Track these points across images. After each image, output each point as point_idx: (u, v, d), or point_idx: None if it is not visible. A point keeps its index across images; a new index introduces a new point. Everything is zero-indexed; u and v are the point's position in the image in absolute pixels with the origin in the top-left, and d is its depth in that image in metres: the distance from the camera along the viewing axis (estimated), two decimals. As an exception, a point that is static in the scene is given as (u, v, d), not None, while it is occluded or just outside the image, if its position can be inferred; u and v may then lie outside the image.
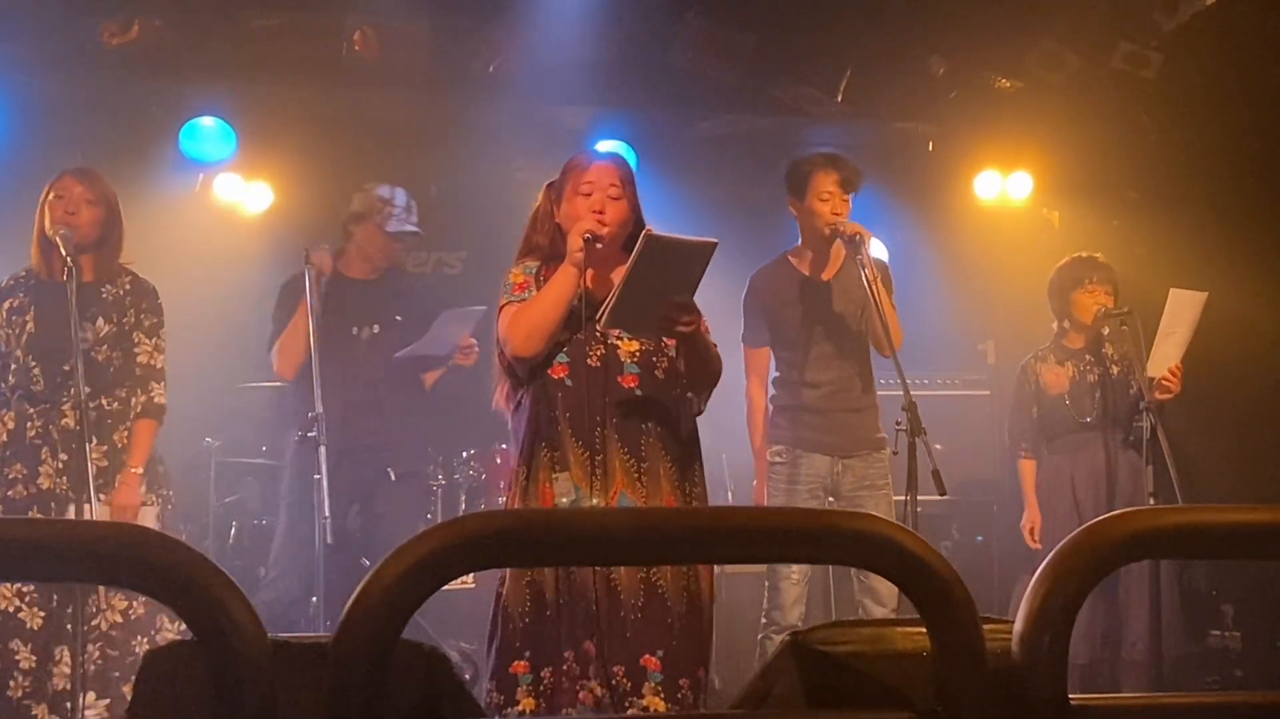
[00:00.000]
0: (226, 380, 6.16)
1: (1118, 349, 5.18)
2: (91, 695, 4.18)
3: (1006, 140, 6.88)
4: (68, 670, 4.11)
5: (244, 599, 1.10)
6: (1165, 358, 4.85)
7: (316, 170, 6.33)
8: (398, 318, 5.17)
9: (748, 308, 4.92)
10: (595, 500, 3.35)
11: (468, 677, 5.22)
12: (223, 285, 6.08)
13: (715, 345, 3.54)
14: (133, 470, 4.36)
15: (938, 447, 4.36)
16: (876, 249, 5.30)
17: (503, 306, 3.49)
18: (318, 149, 6.39)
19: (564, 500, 3.34)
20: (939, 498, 4.21)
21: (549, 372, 3.41)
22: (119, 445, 4.35)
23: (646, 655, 3.29)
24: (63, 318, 4.16)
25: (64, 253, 4.18)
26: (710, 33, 6.04)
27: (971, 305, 7.06)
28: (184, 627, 1.10)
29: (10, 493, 4.23)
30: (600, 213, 3.44)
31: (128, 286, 4.46)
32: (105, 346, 4.35)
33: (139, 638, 4.27)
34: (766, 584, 4.84)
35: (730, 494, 6.17)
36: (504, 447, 6.05)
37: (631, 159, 6.60)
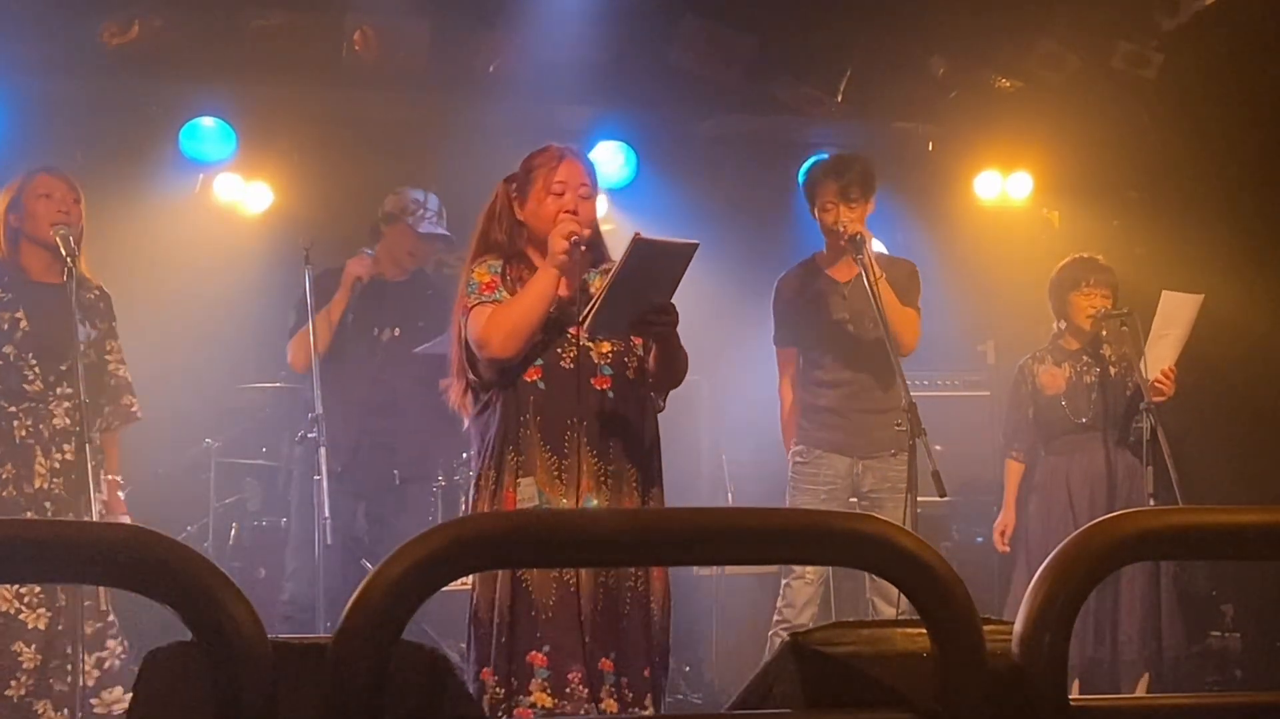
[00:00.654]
0: (226, 381, 6.16)
1: (1116, 350, 5.17)
2: (119, 690, 4.20)
3: (1006, 140, 6.87)
4: (86, 667, 4.12)
5: (244, 599, 1.10)
6: (1159, 360, 4.85)
7: (316, 170, 6.33)
8: (420, 323, 5.12)
9: (775, 309, 4.96)
10: (562, 504, 3.31)
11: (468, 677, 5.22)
12: (223, 285, 6.08)
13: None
14: (115, 478, 4.39)
15: (938, 447, 4.36)
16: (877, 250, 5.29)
17: (472, 307, 3.40)
18: (318, 149, 6.39)
19: (529, 506, 3.31)
20: (939, 499, 4.22)
21: (523, 375, 3.37)
22: (97, 446, 4.30)
23: (604, 658, 3.29)
24: (59, 317, 4.15)
25: (64, 253, 4.17)
26: (710, 33, 6.03)
27: (971, 305, 7.05)
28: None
29: (2, 494, 4.18)
30: (574, 212, 3.40)
31: (98, 292, 4.45)
32: (91, 350, 4.35)
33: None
34: (781, 583, 4.86)
35: (730, 494, 6.16)
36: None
37: (631, 159, 6.64)
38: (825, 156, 4.94)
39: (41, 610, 4.13)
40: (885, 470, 4.78)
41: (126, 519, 4.37)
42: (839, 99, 6.32)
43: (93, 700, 4.16)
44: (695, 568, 5.72)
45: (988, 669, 1.19)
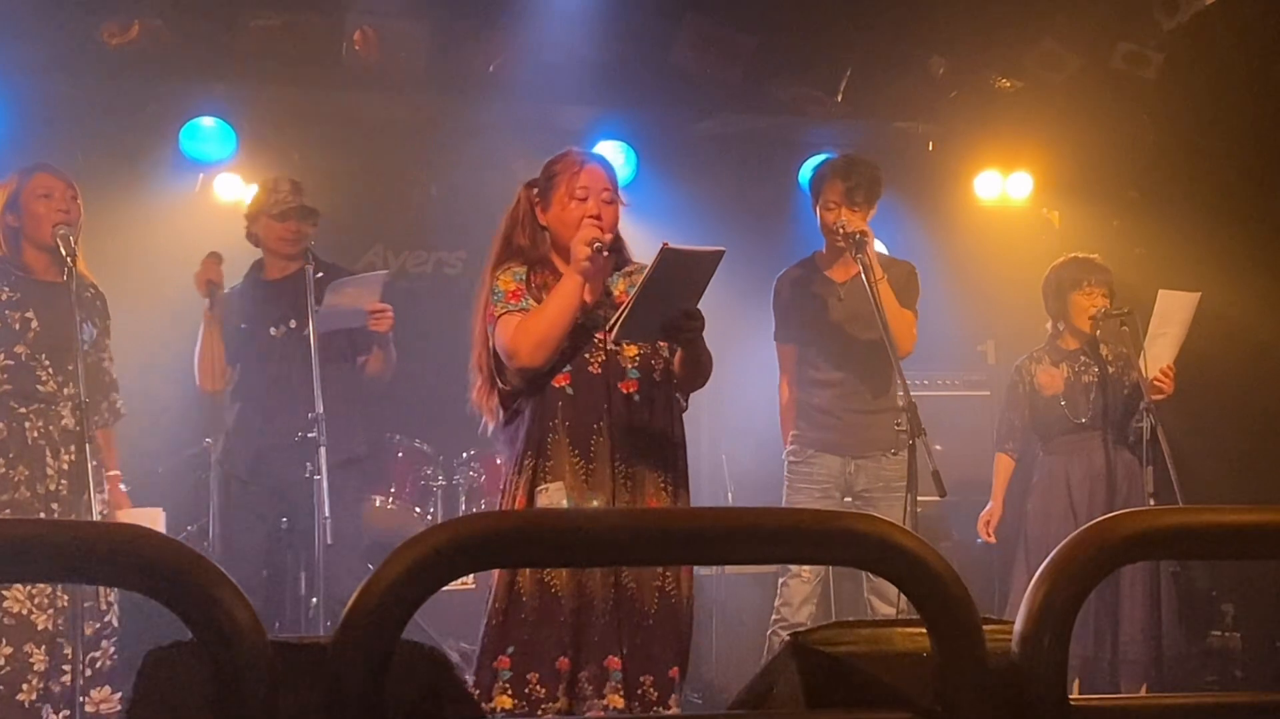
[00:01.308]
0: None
1: (1114, 349, 5.17)
2: (107, 690, 4.20)
3: (1006, 140, 6.88)
4: (80, 667, 4.13)
5: (244, 599, 1.10)
6: (1156, 359, 4.85)
7: (316, 170, 6.32)
8: (315, 307, 4.84)
9: (775, 306, 4.99)
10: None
11: (468, 677, 5.21)
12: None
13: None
14: (115, 473, 4.43)
15: (937, 447, 4.37)
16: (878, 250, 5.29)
17: (499, 316, 3.42)
18: (318, 149, 6.39)
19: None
20: (939, 499, 4.22)
21: (551, 381, 3.39)
22: (97, 445, 4.34)
23: (611, 657, 3.30)
24: (64, 317, 4.16)
25: (65, 253, 4.17)
26: (710, 33, 6.04)
27: (971, 305, 7.05)
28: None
29: (16, 495, 4.19)
30: (597, 218, 3.42)
31: (94, 290, 4.46)
32: (93, 349, 4.37)
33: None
34: (779, 581, 4.87)
35: (730, 495, 6.17)
36: (504, 448, 6.06)
37: (631, 159, 6.64)
38: (835, 156, 4.94)
39: (51, 612, 4.14)
40: (878, 470, 4.79)
41: (133, 513, 4.38)
42: (839, 99, 6.32)
43: (81, 699, 4.16)
44: (695, 568, 5.72)
45: (988, 669, 1.19)
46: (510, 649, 3.30)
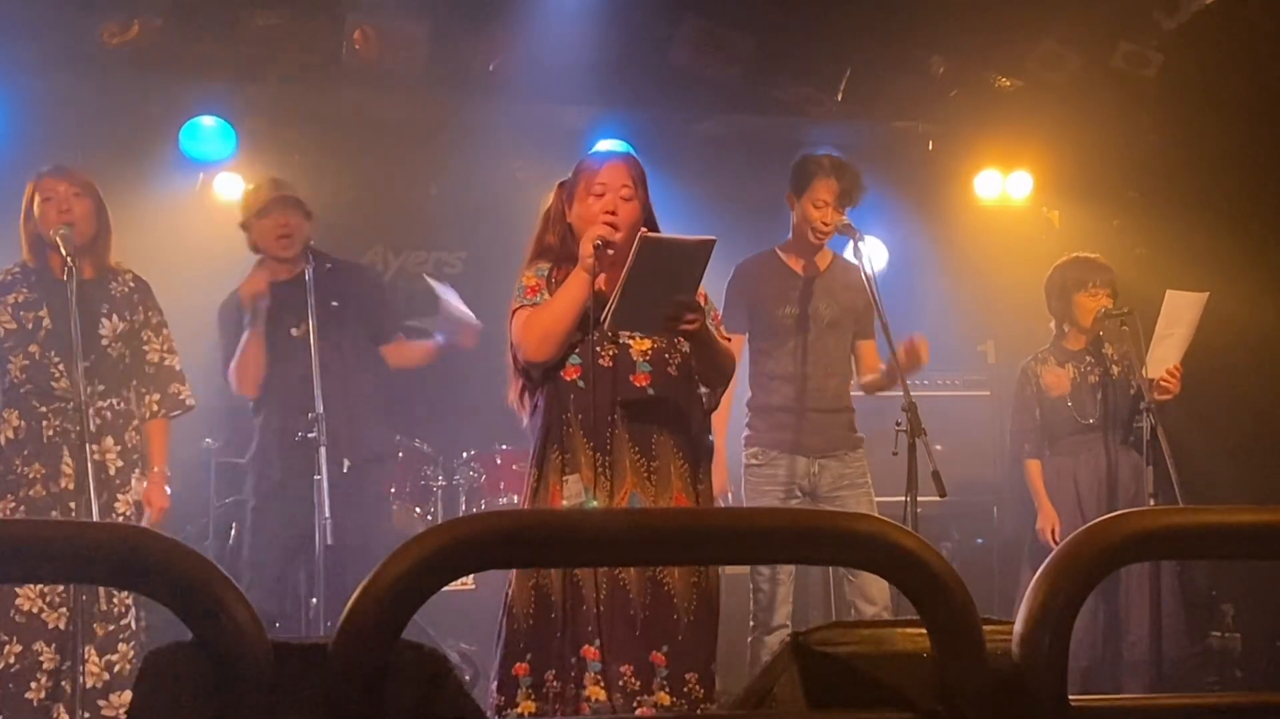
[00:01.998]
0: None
1: (1118, 349, 5.17)
2: (127, 694, 4.20)
3: (1006, 140, 6.88)
4: (95, 669, 4.15)
5: (244, 599, 1.10)
6: (1163, 359, 4.84)
7: (316, 170, 6.32)
8: (334, 303, 4.90)
9: (729, 295, 4.90)
10: (605, 501, 3.37)
11: (468, 677, 5.21)
12: (223, 285, 6.06)
13: (728, 340, 3.59)
14: (160, 470, 4.42)
15: (938, 447, 4.37)
16: (876, 251, 5.32)
17: (515, 310, 3.48)
18: (318, 149, 6.39)
19: (575, 503, 3.35)
20: (939, 499, 4.22)
21: (561, 374, 3.42)
22: (129, 445, 4.38)
23: (654, 653, 3.32)
24: (79, 314, 4.18)
25: (64, 253, 4.18)
26: (710, 33, 6.03)
27: (971, 305, 7.05)
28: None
29: (30, 493, 4.23)
30: (612, 214, 3.43)
31: (132, 284, 4.51)
32: (120, 343, 4.40)
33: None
34: (750, 587, 4.84)
35: (729, 495, 6.16)
36: (504, 447, 6.05)
37: (632, 159, 6.64)
38: (821, 153, 4.92)
39: (62, 610, 4.16)
40: (841, 469, 4.76)
41: (154, 515, 4.37)
42: (839, 99, 6.33)
43: (100, 702, 4.17)
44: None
45: (988, 669, 1.19)
46: (529, 656, 3.31)
